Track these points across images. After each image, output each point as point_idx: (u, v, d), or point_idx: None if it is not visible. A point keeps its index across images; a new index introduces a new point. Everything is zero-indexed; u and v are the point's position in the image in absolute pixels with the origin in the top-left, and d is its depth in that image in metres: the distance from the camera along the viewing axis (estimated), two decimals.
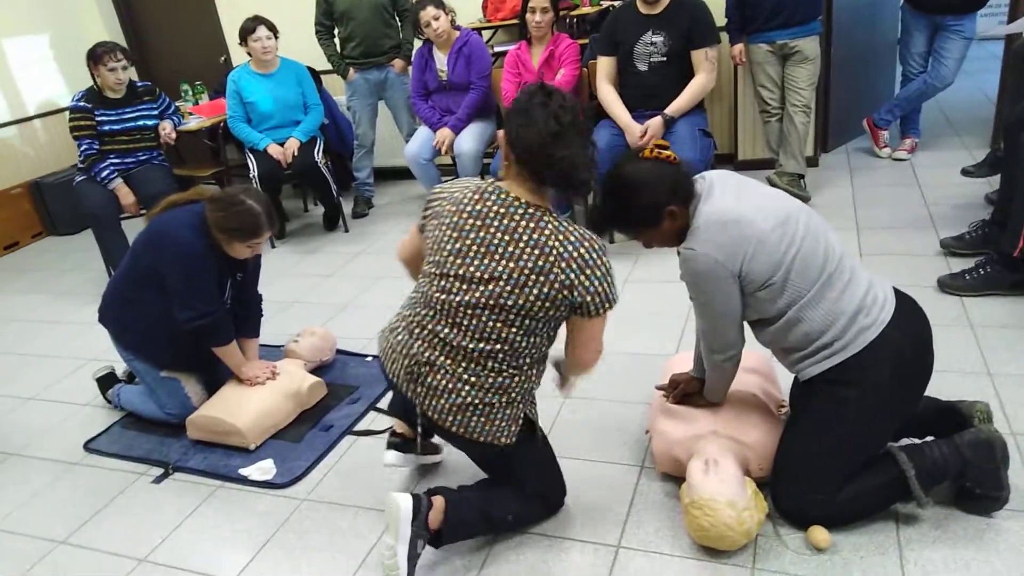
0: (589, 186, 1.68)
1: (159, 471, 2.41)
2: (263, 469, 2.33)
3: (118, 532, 2.17)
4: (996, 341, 2.46)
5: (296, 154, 4.14)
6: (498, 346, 1.69)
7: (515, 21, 4.07)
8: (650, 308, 3.00)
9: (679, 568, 1.76)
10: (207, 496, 2.27)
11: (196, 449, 2.49)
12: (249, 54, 4.18)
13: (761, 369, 2.17)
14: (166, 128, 3.96)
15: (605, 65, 3.61)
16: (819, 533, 1.74)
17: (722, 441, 1.87)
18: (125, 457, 2.51)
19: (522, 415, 1.78)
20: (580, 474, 2.09)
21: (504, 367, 1.71)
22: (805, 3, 3.64)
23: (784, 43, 3.73)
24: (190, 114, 4.62)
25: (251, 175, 4.14)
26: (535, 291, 1.64)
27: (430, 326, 1.73)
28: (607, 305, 1.70)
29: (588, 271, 1.65)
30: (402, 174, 4.98)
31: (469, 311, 1.68)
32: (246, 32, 4.07)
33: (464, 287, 1.68)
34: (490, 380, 1.71)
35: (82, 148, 3.76)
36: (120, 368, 2.89)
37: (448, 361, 1.72)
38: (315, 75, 4.49)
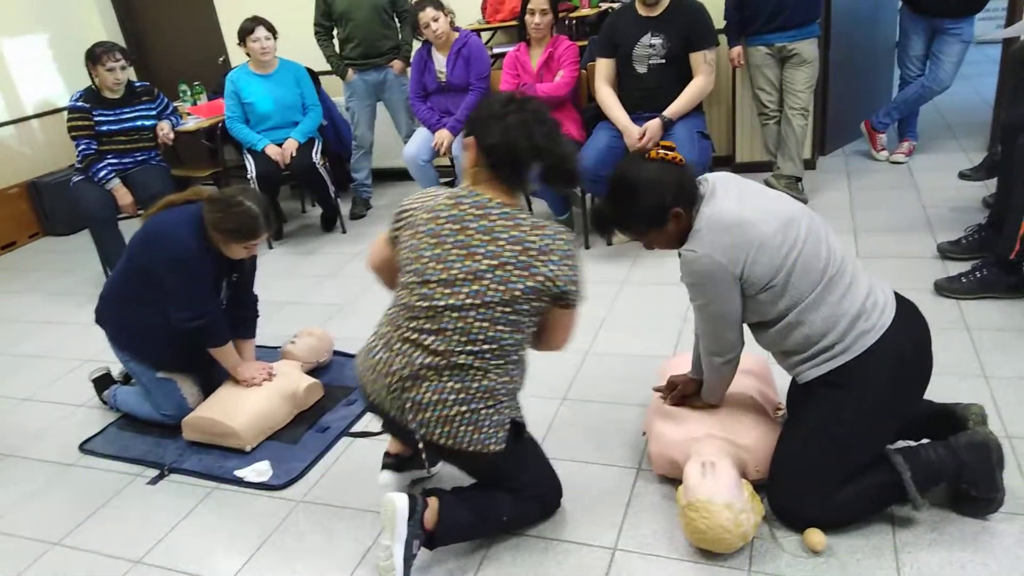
0: (579, 177, 1.80)
1: (155, 472, 2.41)
2: (259, 471, 2.32)
3: (113, 534, 2.16)
4: (992, 344, 2.47)
5: (294, 155, 4.14)
6: (485, 346, 1.69)
7: (514, 23, 4.06)
8: (647, 310, 3.00)
9: (675, 570, 1.76)
10: (203, 498, 2.27)
11: (192, 450, 2.49)
12: (248, 54, 4.17)
13: (758, 372, 2.18)
14: (164, 128, 3.96)
15: (604, 67, 3.61)
16: (815, 536, 1.74)
17: (719, 443, 1.87)
18: (121, 458, 2.51)
19: (508, 420, 1.78)
20: (576, 476, 2.09)
21: (490, 366, 1.71)
22: (804, 5, 3.65)
23: (782, 46, 3.73)
24: (188, 114, 4.62)
25: (249, 176, 4.13)
26: (519, 285, 1.66)
27: (413, 337, 1.72)
28: (580, 296, 1.75)
29: (568, 261, 1.70)
30: (400, 175, 4.97)
31: (455, 314, 1.68)
32: (245, 32, 4.07)
33: (447, 291, 1.68)
34: (475, 384, 1.71)
35: (80, 148, 3.75)
36: (116, 369, 2.88)
37: (431, 372, 1.71)
38: (314, 76, 4.48)
